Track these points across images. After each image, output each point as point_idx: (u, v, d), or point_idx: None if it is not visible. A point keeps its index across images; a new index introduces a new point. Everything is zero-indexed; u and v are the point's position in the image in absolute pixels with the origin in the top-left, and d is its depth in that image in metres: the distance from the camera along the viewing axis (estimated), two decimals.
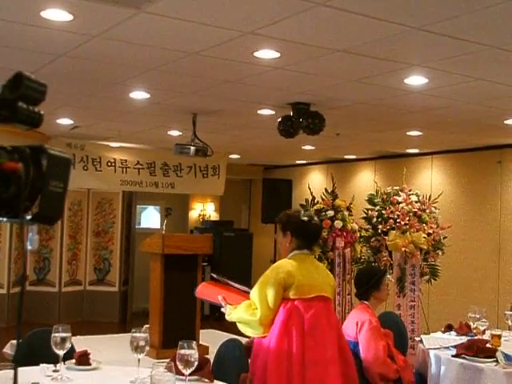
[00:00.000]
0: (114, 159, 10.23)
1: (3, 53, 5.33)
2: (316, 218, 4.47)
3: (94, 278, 11.60)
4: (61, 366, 3.68)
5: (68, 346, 3.61)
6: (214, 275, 4.71)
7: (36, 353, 3.96)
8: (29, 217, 1.04)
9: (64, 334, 3.59)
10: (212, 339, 7.76)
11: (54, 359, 3.70)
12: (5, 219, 1.03)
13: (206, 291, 4.62)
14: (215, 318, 11.87)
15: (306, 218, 4.26)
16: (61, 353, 3.60)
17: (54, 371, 3.67)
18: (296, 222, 4.24)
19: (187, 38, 4.76)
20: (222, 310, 4.21)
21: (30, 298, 10.65)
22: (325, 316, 4.08)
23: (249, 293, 4.14)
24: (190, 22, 4.39)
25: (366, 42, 4.71)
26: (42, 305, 10.64)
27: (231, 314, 4.12)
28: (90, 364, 3.92)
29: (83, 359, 3.91)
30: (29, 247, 1.03)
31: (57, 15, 4.30)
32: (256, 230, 13.31)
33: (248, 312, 4.02)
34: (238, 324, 4.11)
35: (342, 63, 5.31)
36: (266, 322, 3.98)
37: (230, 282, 4.50)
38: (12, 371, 2.77)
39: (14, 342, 5.87)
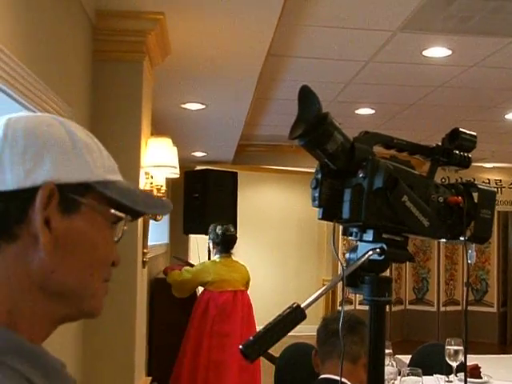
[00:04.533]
0: (489, 180, 10.29)
1: (385, 89, 5.87)
2: (231, 229, 5.94)
3: (471, 299, 11.66)
4: (453, 376, 3.97)
5: (460, 358, 3.89)
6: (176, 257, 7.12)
7: (429, 364, 4.29)
8: (466, 238, 1.38)
9: (457, 347, 3.88)
10: None
11: (446, 370, 4.00)
12: (448, 241, 1.37)
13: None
14: None
15: (219, 231, 5.85)
16: (454, 364, 3.89)
17: (447, 382, 3.97)
18: (214, 233, 5.90)
19: None
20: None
21: (410, 317, 11.19)
22: (233, 305, 5.65)
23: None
24: None
25: None
26: (420, 323, 11.06)
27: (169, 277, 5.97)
28: (481, 377, 4.15)
29: (475, 372, 4.15)
30: (469, 261, 1.35)
31: (437, 52, 4.68)
32: None
33: (177, 276, 5.92)
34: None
35: None
36: (181, 289, 5.90)
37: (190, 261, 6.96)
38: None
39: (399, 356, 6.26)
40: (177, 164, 3.93)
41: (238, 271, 5.91)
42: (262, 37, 3.73)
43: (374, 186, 1.25)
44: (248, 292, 6.00)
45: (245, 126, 6.80)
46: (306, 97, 1.28)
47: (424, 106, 6.44)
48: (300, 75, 5.29)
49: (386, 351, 3.60)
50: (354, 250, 1.35)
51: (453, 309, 11.52)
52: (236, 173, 8.53)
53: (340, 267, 1.30)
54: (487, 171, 10.44)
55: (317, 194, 1.30)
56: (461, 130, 1.38)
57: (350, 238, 1.34)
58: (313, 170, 1.32)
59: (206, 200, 7.99)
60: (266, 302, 9.27)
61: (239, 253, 10.90)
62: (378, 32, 4.28)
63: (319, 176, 1.30)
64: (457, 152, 1.38)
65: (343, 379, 2.24)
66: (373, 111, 6.63)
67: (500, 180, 10.34)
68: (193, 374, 5.56)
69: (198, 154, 8.32)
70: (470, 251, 1.36)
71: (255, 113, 6.65)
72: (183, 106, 5.54)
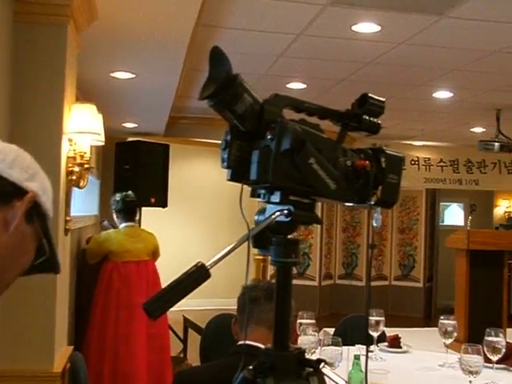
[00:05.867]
0: (418, 157, 10.49)
1: (316, 64, 5.89)
2: (132, 195, 5.92)
3: (398, 274, 11.94)
4: (375, 347, 4.06)
5: (381, 328, 3.98)
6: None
7: (352, 335, 4.37)
8: (372, 202, 1.39)
9: (378, 318, 3.96)
10: None
11: (368, 341, 4.09)
12: (354, 205, 1.39)
13: None
14: None
15: (118, 198, 5.80)
16: (375, 334, 3.98)
17: (369, 351, 4.06)
18: (114, 201, 5.85)
19: (491, 37, 4.89)
20: None
21: (340, 291, 11.39)
22: (138, 277, 5.70)
23: None
24: (494, 22, 4.53)
25: None
26: (349, 298, 11.26)
27: None
28: (401, 347, 4.25)
29: (395, 342, 4.25)
30: (374, 224, 1.37)
31: (366, 28, 4.71)
32: None
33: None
34: None
35: None
36: (90, 257, 5.91)
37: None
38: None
39: (327, 329, 6.35)
40: (101, 131, 3.87)
41: (142, 241, 5.89)
42: (190, 4, 3.69)
43: (282, 147, 1.25)
44: (157, 261, 6.05)
45: (177, 98, 6.74)
46: (217, 58, 1.28)
47: (355, 82, 6.50)
48: (231, 47, 5.27)
49: (309, 321, 3.66)
50: (262, 212, 1.36)
51: (380, 284, 11.76)
52: (168, 145, 8.47)
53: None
54: (416, 149, 10.64)
55: (226, 156, 1.32)
56: (369, 95, 1.39)
57: (257, 199, 1.35)
58: None
59: (136, 172, 7.93)
60: None
61: (170, 226, 10.90)
62: (308, 5, 4.29)
63: (228, 137, 1.31)
64: (366, 117, 1.40)
65: (259, 344, 2.26)
66: (304, 86, 6.66)
67: (429, 158, 10.55)
68: (101, 345, 5.58)
69: (129, 124, 8.22)
70: (376, 215, 1.38)
71: (187, 84, 6.60)
72: (112, 74, 5.45)
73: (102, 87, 5.90)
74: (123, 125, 8.19)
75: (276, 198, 1.31)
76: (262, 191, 1.35)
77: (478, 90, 6.79)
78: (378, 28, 4.71)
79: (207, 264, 1.20)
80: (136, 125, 8.25)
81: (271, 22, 4.68)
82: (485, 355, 3.35)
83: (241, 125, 1.29)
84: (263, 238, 1.31)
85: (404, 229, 11.90)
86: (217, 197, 11.68)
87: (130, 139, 8.54)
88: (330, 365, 3.08)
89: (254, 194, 1.37)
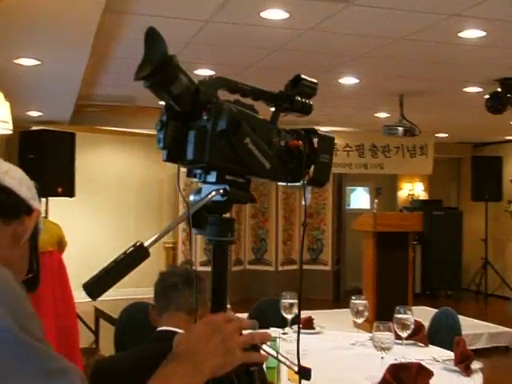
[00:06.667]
0: None
1: (224, 51, 5.91)
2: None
3: (307, 258, 12.14)
4: (289, 329, 4.13)
5: (295, 310, 4.05)
6: None
7: (266, 319, 4.43)
8: (305, 182, 1.43)
9: (292, 301, 4.03)
10: (424, 315, 7.89)
11: (281, 324, 4.16)
12: (289, 184, 1.44)
13: None
14: (427, 295, 12.01)
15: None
16: (289, 317, 4.05)
17: (283, 334, 4.12)
18: None
19: (394, 25, 5.03)
20: None
21: (249, 276, 11.50)
22: (41, 268, 5.70)
23: None
24: (395, 10, 4.65)
25: None
26: (259, 283, 11.38)
27: None
28: (314, 328, 4.35)
29: (308, 324, 4.35)
30: (303, 202, 1.42)
31: (274, 14, 4.75)
32: (466, 209, 13.17)
33: None
34: None
35: None
36: None
37: None
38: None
39: (239, 314, 6.42)
40: (9, 119, 3.78)
41: (46, 232, 5.77)
42: None
43: (218, 128, 1.28)
44: (64, 252, 5.95)
45: (83, 85, 6.62)
46: (153, 39, 1.28)
47: (263, 69, 6.55)
48: (139, 33, 5.16)
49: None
50: (198, 192, 1.38)
51: (290, 268, 11.94)
52: (74, 134, 8.33)
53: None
54: None
55: (162, 136, 1.33)
56: (302, 76, 1.45)
57: (193, 179, 1.38)
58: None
59: (42, 162, 7.77)
60: None
61: (78, 216, 10.70)
62: None
63: (164, 118, 1.33)
64: (298, 98, 1.45)
65: (177, 329, 2.28)
66: (212, 72, 6.66)
67: (335, 143, 10.71)
68: None
69: (34, 113, 8.02)
70: (307, 194, 1.43)
71: (94, 71, 6.49)
72: (16, 61, 5.30)
73: (5, 74, 5.73)
74: (27, 113, 7.99)
75: (212, 177, 1.34)
76: (198, 171, 1.37)
77: (383, 76, 6.97)
78: (286, 15, 4.76)
79: (146, 244, 1.21)
80: (41, 113, 8.06)
81: (179, 8, 4.66)
82: (395, 332, 3.47)
83: (177, 105, 1.31)
84: (199, 217, 1.34)
85: (312, 213, 12.10)
86: (125, 185, 11.55)
87: (35, 128, 8.34)
88: None
89: (190, 174, 1.39)
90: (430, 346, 3.98)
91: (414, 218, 8.53)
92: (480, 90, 7.45)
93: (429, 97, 8.13)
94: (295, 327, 4.27)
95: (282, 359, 1.59)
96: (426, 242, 12.25)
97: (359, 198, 13.70)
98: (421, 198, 13.66)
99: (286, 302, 4.04)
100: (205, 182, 1.37)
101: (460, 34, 5.25)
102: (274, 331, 4.12)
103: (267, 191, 11.78)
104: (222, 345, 1.26)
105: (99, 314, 7.47)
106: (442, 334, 4.34)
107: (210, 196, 1.32)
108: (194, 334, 1.29)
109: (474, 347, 7.66)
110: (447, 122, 10.45)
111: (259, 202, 11.76)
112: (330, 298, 11.77)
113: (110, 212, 11.56)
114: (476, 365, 3.42)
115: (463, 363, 3.38)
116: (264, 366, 3.05)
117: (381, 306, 7.98)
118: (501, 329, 8.26)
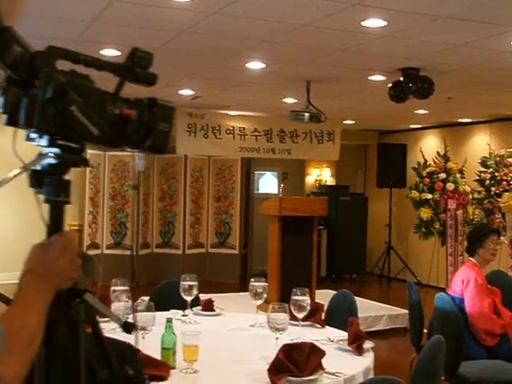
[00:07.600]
0: (233, 127, 10.66)
1: (130, 31, 5.84)
2: None
3: (215, 241, 12.19)
4: (188, 311, 4.15)
5: (195, 292, 4.08)
6: None
7: (166, 301, 4.44)
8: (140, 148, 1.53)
9: (191, 283, 4.06)
10: (327, 298, 8.05)
11: (182, 306, 4.18)
12: (128, 150, 1.53)
13: None
14: (332, 279, 12.27)
15: None
16: (188, 299, 4.07)
17: (183, 315, 4.15)
18: None
19: (297, 11, 5.08)
20: None
21: (156, 260, 11.45)
22: None
23: None
24: None
25: (469, 7, 4.87)
26: (167, 266, 11.36)
27: None
28: (214, 310, 4.38)
29: (208, 306, 4.38)
30: (137, 169, 1.52)
31: None
32: (371, 195, 13.51)
33: None
34: None
35: (446, 29, 5.48)
36: None
37: None
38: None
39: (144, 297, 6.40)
40: None
41: None
42: None
43: (45, 95, 1.37)
44: None
45: None
46: None
47: (169, 52, 6.51)
48: (42, 9, 5.09)
49: (122, 288, 3.67)
50: (40, 155, 1.47)
51: (197, 251, 11.98)
52: None
53: None
54: (232, 119, 10.82)
55: (3, 101, 1.43)
56: (138, 48, 1.53)
57: (31, 143, 1.47)
58: None
59: None
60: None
61: None
62: None
63: (5, 84, 1.42)
64: (138, 69, 1.53)
65: None
66: (119, 53, 6.57)
67: (244, 128, 10.75)
68: None
69: None
70: (140, 160, 1.62)
71: None
72: None
73: None
74: None
75: (44, 141, 1.44)
76: (34, 135, 1.46)
77: (289, 61, 7.04)
78: None
79: None
80: None
81: None
82: (292, 313, 3.55)
83: (14, 73, 1.41)
84: (38, 178, 1.44)
85: (220, 197, 12.14)
86: None
87: None
88: (143, 329, 3.13)
89: (28, 138, 1.48)
90: (327, 326, 4.08)
91: (319, 203, 8.63)
92: (384, 78, 7.63)
93: (336, 84, 8.27)
94: (195, 309, 4.31)
95: (107, 313, 1.69)
96: (332, 227, 12.51)
97: (268, 183, 13.82)
98: (328, 183, 13.91)
99: (185, 283, 4.06)
100: (39, 145, 1.46)
101: (363, 23, 5.36)
102: (174, 313, 4.15)
103: (175, 174, 11.75)
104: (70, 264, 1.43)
105: None
106: (339, 315, 4.45)
107: (37, 159, 1.43)
108: (46, 251, 1.41)
109: (374, 328, 7.92)
110: (354, 109, 10.66)
111: (167, 185, 11.72)
112: (237, 281, 11.85)
113: None
114: (367, 344, 3.53)
115: (356, 343, 3.49)
116: (160, 346, 3.07)
117: (284, 289, 8.05)
118: (400, 311, 8.52)
